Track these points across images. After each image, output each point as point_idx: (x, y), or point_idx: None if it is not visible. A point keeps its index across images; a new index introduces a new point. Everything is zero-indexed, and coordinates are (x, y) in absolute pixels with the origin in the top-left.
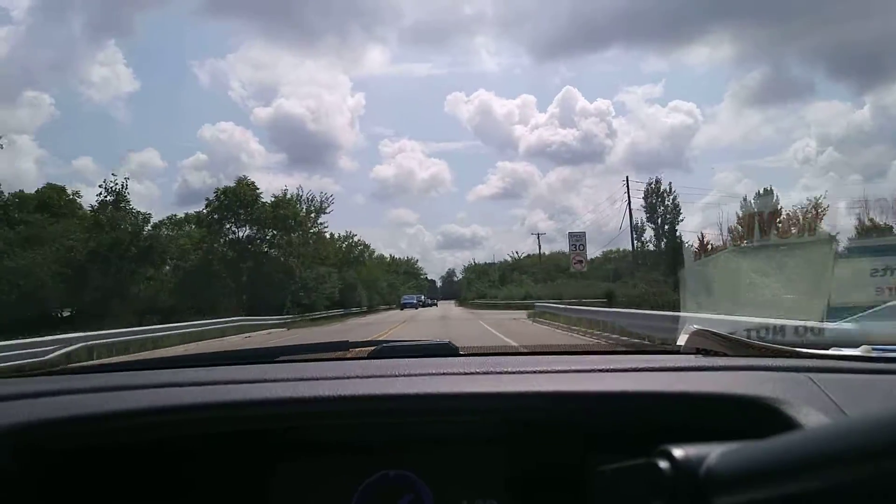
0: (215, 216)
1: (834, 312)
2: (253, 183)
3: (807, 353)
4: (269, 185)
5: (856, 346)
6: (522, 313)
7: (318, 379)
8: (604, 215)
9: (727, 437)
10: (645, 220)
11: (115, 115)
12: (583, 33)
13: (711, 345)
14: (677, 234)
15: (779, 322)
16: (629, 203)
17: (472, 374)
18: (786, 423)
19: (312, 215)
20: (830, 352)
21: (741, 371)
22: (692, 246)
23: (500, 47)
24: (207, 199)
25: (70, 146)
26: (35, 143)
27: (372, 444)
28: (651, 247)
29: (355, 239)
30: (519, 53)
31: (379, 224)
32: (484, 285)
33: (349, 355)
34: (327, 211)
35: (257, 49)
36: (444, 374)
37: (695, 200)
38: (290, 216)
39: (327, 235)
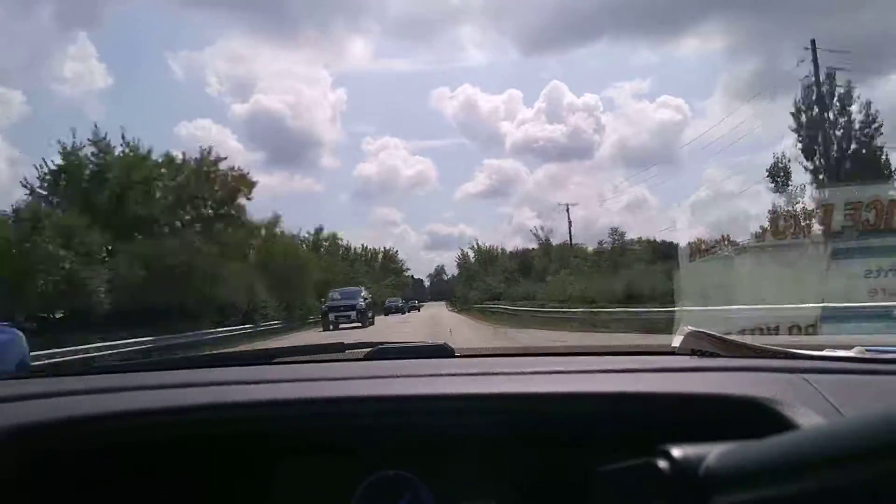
0: None
1: (828, 313)
2: None
3: (801, 353)
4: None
5: (849, 347)
6: None
7: (315, 380)
8: (593, 211)
9: (723, 439)
10: (799, 153)
11: (89, 112)
12: (571, 25)
13: (706, 345)
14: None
15: (774, 323)
16: (817, 81)
17: (468, 375)
18: (782, 425)
19: None
20: (825, 353)
21: (736, 372)
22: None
23: (485, 40)
24: None
25: (44, 145)
26: (6, 142)
27: (370, 445)
28: (810, 201)
29: (234, 172)
30: (505, 47)
31: (364, 224)
32: (497, 280)
33: (345, 357)
34: None
35: (235, 42)
36: (440, 375)
37: (687, 196)
38: None
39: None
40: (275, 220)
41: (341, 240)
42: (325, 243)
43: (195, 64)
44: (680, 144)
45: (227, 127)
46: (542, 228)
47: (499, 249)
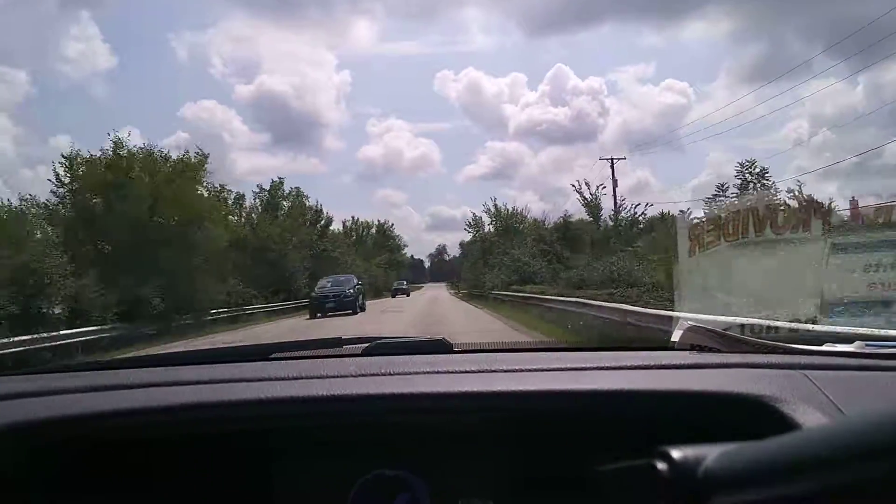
0: None
1: (827, 308)
2: None
3: (801, 349)
4: (253, 165)
5: (849, 341)
6: None
7: (312, 378)
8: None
9: (723, 435)
10: None
11: (93, 93)
12: (575, 8)
13: (706, 341)
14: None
15: (773, 318)
16: None
17: (465, 372)
18: (782, 421)
19: None
20: (824, 348)
21: (736, 368)
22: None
23: (489, 23)
24: None
25: (48, 124)
26: (11, 121)
27: (367, 443)
28: None
29: None
30: (509, 30)
31: (367, 205)
32: (528, 254)
33: (343, 352)
34: None
35: (239, 23)
36: (437, 372)
37: (688, 180)
38: None
39: None
40: (199, 162)
41: (307, 198)
42: (284, 203)
43: (199, 45)
44: (683, 127)
45: (232, 108)
46: (586, 184)
47: (524, 214)
